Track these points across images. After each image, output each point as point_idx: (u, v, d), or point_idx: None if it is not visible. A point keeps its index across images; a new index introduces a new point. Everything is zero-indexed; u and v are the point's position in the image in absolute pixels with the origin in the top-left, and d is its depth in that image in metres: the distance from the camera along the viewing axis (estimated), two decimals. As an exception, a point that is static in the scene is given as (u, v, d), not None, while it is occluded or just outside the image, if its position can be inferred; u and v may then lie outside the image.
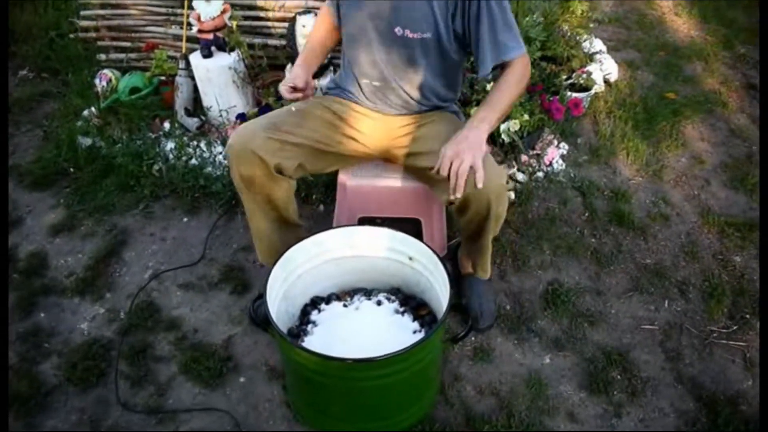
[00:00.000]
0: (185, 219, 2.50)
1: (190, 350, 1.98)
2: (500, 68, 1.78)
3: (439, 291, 1.70)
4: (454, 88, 2.00)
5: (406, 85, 1.88)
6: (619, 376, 1.89)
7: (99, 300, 2.17)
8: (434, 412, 1.77)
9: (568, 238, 2.36)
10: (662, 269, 2.24)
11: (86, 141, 2.83)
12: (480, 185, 1.60)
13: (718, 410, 1.78)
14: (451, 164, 1.59)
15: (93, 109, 2.95)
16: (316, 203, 2.52)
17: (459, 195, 1.60)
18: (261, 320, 1.82)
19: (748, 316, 2.08)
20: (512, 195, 2.47)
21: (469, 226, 1.81)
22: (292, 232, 1.96)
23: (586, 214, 2.47)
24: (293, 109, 1.93)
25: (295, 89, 1.88)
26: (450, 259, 2.18)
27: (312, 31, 2.11)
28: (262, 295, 1.65)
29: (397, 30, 1.77)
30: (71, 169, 2.76)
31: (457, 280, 2.07)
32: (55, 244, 2.42)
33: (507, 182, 1.72)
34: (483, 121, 1.67)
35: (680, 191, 2.63)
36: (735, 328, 2.04)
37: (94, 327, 2.07)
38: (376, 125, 1.96)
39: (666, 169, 2.74)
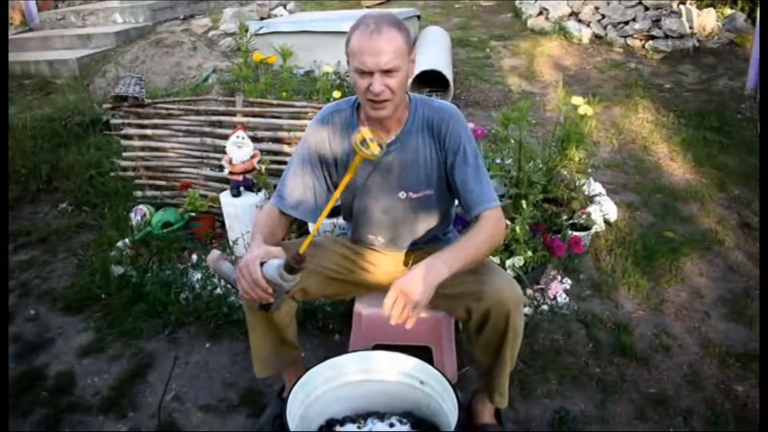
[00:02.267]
0: (208, 344, 2.62)
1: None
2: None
3: (448, 412, 1.78)
4: (450, 217, 2.14)
5: (410, 235, 2.04)
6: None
7: (122, 419, 2.26)
8: None
9: (573, 368, 2.44)
10: (666, 398, 2.30)
11: (118, 270, 3.03)
12: (408, 326, 1.62)
13: None
14: (396, 299, 1.62)
15: (127, 240, 3.18)
16: (333, 333, 2.64)
17: (393, 323, 1.62)
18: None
19: (752, 446, 2.11)
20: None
21: (487, 347, 1.88)
22: (288, 353, 2.10)
23: (590, 346, 2.57)
24: None
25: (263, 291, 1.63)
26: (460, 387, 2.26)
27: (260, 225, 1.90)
28: (281, 414, 1.75)
29: (401, 194, 1.94)
30: (103, 296, 2.93)
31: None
32: (83, 364, 2.54)
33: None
34: (446, 264, 1.67)
35: (681, 324, 2.72)
36: (740, 458, 2.07)
37: (116, 447, 2.15)
38: (388, 260, 2.11)
39: (666, 303, 2.85)
